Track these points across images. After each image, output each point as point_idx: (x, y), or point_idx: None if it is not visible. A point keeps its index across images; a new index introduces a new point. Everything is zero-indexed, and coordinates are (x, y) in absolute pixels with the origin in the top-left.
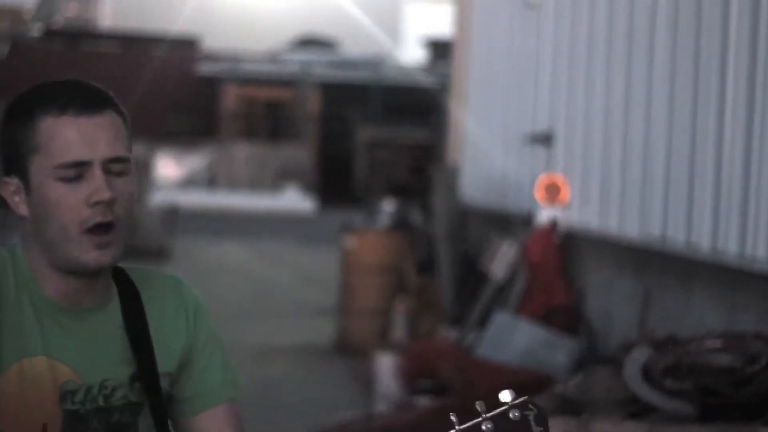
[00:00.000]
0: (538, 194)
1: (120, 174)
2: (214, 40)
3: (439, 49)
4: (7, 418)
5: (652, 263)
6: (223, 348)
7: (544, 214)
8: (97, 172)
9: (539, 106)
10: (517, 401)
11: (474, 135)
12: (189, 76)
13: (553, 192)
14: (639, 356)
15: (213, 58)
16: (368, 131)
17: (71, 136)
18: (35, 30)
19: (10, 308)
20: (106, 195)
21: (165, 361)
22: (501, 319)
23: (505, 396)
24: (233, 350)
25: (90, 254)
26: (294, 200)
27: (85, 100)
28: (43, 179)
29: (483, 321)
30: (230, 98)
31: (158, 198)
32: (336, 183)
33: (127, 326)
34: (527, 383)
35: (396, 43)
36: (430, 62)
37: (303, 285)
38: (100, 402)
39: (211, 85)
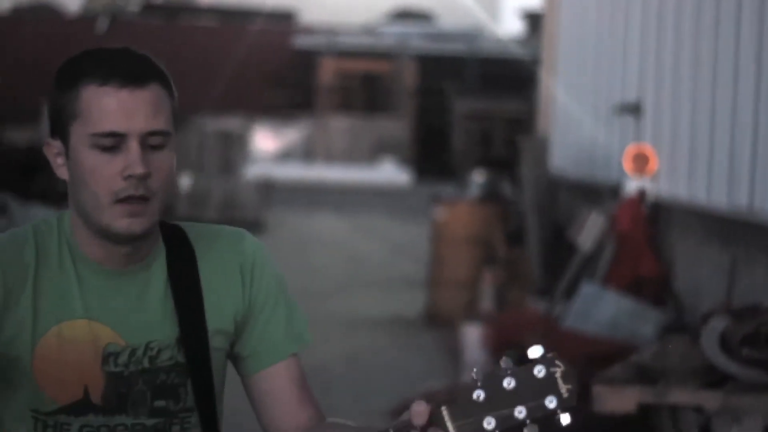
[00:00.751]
0: (627, 164)
1: (158, 147)
2: (310, 14)
3: (536, 22)
4: (48, 378)
5: (739, 234)
6: (290, 302)
7: (633, 185)
8: (133, 145)
9: (628, 77)
10: (541, 357)
11: (563, 106)
12: (286, 49)
13: (641, 162)
14: (716, 325)
15: (309, 31)
16: (465, 104)
17: (110, 106)
18: (134, 4)
19: (52, 270)
20: (139, 170)
21: (218, 319)
22: (588, 290)
23: (534, 352)
24: (325, 322)
25: (121, 222)
26: (390, 173)
27: (130, 71)
28: (80, 146)
29: (571, 292)
30: (327, 71)
31: (255, 171)
32: (432, 156)
33: (173, 285)
34: (613, 354)
35: (493, 15)
36: (526, 34)
37: (396, 257)
38: (145, 363)
39: (307, 58)
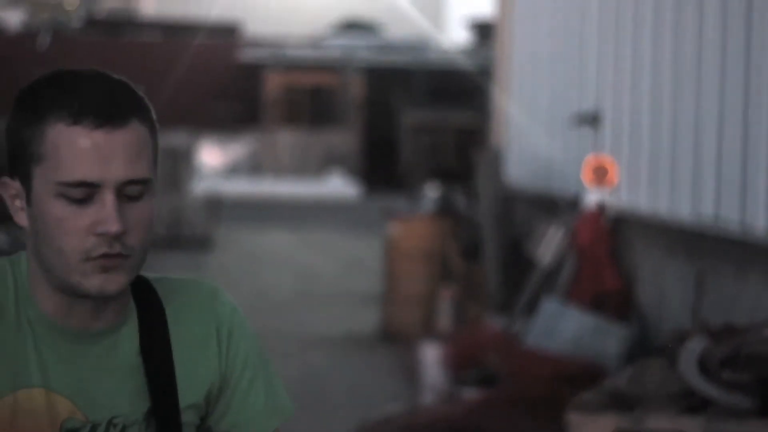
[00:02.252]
0: (586, 176)
1: (137, 198)
2: (255, 27)
3: (484, 31)
4: None
5: (704, 246)
6: (269, 369)
7: (592, 197)
8: (108, 197)
9: (585, 87)
10: None
11: (518, 117)
12: (231, 63)
13: (600, 174)
14: (694, 347)
15: (255, 44)
16: (413, 115)
17: (82, 151)
18: (77, 20)
19: (7, 326)
20: (114, 227)
21: (190, 392)
22: (549, 306)
23: None
24: (277, 340)
25: (93, 280)
26: (339, 186)
27: (105, 108)
28: (44, 193)
29: (530, 308)
30: (273, 84)
31: (201, 187)
32: (381, 168)
33: (144, 353)
34: (577, 373)
35: (439, 26)
36: (474, 44)
37: (348, 273)
38: None
39: (253, 72)
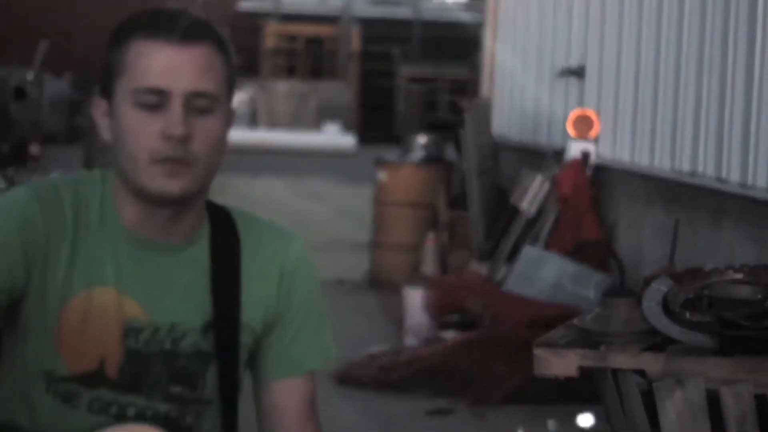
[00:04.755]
0: (570, 128)
1: (204, 111)
2: None
3: None
4: (68, 342)
5: (682, 197)
6: (322, 316)
7: (576, 148)
8: (175, 105)
9: (572, 41)
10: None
11: (507, 69)
12: (229, 12)
13: (584, 126)
14: (658, 288)
15: None
16: (409, 68)
17: (156, 61)
18: None
19: (90, 230)
20: (178, 130)
21: (249, 314)
22: (530, 253)
23: (584, 420)
24: None
25: (156, 181)
26: (335, 137)
27: (180, 27)
28: (122, 102)
29: (513, 256)
30: (271, 35)
31: None
32: (377, 120)
33: (213, 269)
34: (555, 317)
35: None
36: None
37: (340, 220)
38: (167, 345)
39: (251, 22)
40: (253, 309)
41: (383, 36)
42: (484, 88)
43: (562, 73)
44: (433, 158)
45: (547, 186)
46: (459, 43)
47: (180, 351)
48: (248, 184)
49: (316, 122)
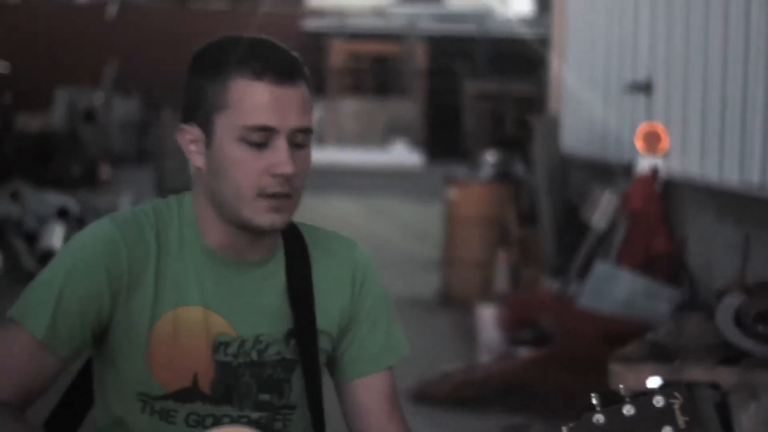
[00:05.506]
0: (638, 143)
1: (302, 146)
2: None
3: (545, 1)
4: (161, 362)
5: (752, 210)
6: (392, 314)
7: (645, 163)
8: (282, 143)
9: (639, 55)
10: (660, 387)
11: (574, 85)
12: (295, 32)
13: (653, 140)
14: (731, 302)
15: (319, 13)
16: (475, 84)
17: (264, 101)
18: None
19: (172, 254)
20: (288, 169)
21: (325, 321)
22: (601, 269)
23: (652, 382)
24: None
25: (264, 217)
26: (402, 155)
27: (282, 68)
28: (226, 137)
29: (584, 271)
30: (337, 54)
31: None
32: (443, 137)
33: (289, 282)
34: (629, 332)
35: None
36: (536, 14)
37: (409, 238)
38: (254, 356)
39: (317, 41)
40: (328, 315)
41: (448, 52)
42: (552, 104)
43: (630, 88)
44: (503, 175)
45: (616, 201)
46: (524, 59)
47: (266, 360)
48: (317, 203)
49: (382, 140)
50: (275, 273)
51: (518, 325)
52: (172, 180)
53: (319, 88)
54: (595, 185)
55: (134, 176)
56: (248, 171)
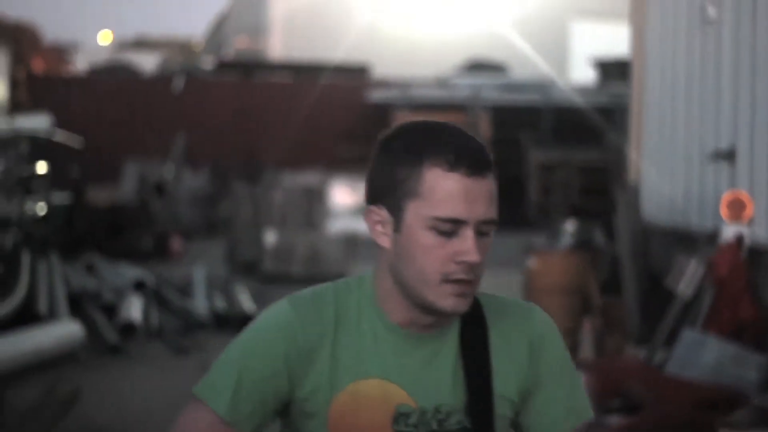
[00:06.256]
0: (723, 211)
1: (486, 234)
2: (383, 68)
3: (608, 69)
4: None
5: None
6: (574, 376)
7: (730, 231)
8: (470, 233)
9: (721, 122)
10: None
11: (654, 153)
12: (360, 103)
13: (737, 208)
14: None
15: (383, 84)
16: (540, 153)
17: (456, 193)
18: (207, 63)
19: (350, 330)
20: (475, 258)
21: (504, 387)
22: (689, 336)
23: None
24: None
25: (447, 301)
26: None
27: (475, 161)
28: (416, 224)
29: (670, 339)
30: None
31: (335, 225)
32: (509, 206)
33: (464, 350)
34: (719, 399)
35: (563, 65)
36: (599, 82)
37: None
38: (434, 426)
39: (382, 112)
40: (507, 381)
41: (512, 122)
42: (631, 172)
43: (714, 156)
44: (582, 244)
45: (702, 269)
46: (589, 127)
47: (447, 430)
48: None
49: None
50: (450, 343)
51: (606, 393)
52: (243, 252)
53: None
54: (677, 253)
55: (204, 248)
56: (435, 257)
